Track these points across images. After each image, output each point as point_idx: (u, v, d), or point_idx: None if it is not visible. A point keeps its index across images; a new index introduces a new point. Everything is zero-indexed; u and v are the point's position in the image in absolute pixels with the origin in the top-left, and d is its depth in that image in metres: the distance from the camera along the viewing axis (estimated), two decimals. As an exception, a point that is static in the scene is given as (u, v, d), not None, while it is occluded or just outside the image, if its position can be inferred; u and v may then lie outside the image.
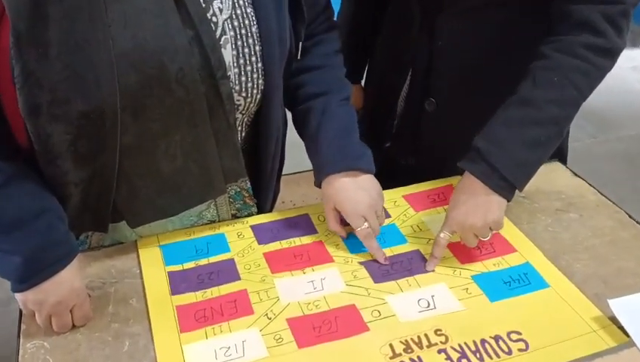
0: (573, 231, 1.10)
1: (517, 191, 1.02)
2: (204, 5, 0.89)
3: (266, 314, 0.92)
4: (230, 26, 0.92)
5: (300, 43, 1.05)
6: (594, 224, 1.12)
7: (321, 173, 1.05)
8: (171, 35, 0.84)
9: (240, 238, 1.08)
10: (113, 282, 0.99)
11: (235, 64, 0.94)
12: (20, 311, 0.92)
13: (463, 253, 1.04)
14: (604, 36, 0.99)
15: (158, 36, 0.83)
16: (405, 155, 1.36)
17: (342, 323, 0.90)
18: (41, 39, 0.77)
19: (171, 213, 1.04)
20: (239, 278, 0.99)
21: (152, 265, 1.01)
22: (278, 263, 1.02)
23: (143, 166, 0.94)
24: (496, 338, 0.88)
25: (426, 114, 1.26)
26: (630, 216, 1.13)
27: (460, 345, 0.86)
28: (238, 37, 0.93)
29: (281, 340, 0.88)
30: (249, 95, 0.97)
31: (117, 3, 0.81)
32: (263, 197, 1.14)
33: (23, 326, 0.91)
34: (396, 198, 1.19)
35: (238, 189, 1.08)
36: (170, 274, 0.99)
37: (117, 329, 0.90)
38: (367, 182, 1.05)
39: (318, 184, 1.07)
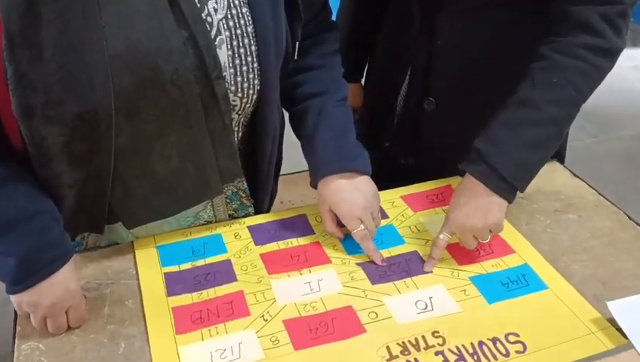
0: (572, 232, 1.09)
1: (517, 192, 1.01)
2: (198, 5, 0.89)
3: (263, 316, 0.91)
4: (225, 26, 0.92)
5: (297, 43, 1.05)
6: (593, 225, 1.11)
7: (316, 173, 1.05)
8: (166, 36, 0.84)
9: (237, 239, 1.07)
10: (109, 283, 0.98)
11: (231, 64, 0.93)
12: (16, 313, 0.91)
13: (461, 254, 1.03)
14: (603, 36, 0.99)
15: (152, 37, 0.83)
16: (405, 155, 1.35)
17: (338, 324, 0.90)
18: (34, 40, 0.77)
19: (167, 214, 1.03)
20: (236, 279, 0.99)
21: (149, 266, 1.01)
22: (274, 264, 1.02)
23: (138, 167, 0.93)
24: (494, 340, 0.87)
25: (426, 113, 1.25)
26: (630, 218, 1.13)
27: (457, 347, 0.86)
28: (234, 37, 0.93)
29: (277, 342, 0.87)
30: (245, 95, 0.97)
31: (111, 4, 0.80)
32: (260, 198, 1.14)
33: (18, 328, 0.91)
34: (394, 199, 1.18)
35: (235, 190, 1.07)
36: (167, 276, 0.99)
37: (113, 330, 0.90)
38: (363, 183, 1.04)
39: (314, 185, 1.06)
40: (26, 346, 0.88)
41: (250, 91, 0.97)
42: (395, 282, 0.98)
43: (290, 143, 1.18)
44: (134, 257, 1.03)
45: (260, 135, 1.04)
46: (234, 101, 0.96)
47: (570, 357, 0.85)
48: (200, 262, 1.02)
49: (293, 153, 1.25)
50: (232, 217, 1.12)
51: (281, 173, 1.23)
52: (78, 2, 0.78)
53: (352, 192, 1.02)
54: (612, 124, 3.26)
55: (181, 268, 1.01)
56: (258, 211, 1.15)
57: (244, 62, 0.94)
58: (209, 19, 0.90)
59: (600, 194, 1.19)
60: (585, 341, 0.87)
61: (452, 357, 0.85)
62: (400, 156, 1.36)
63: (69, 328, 0.90)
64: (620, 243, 1.07)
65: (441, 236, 1.01)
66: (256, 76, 0.96)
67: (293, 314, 0.92)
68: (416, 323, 0.90)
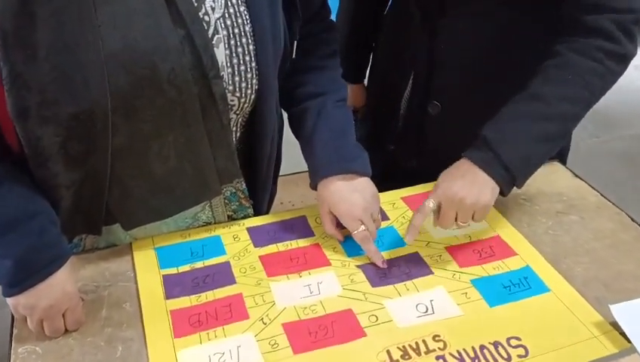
0: (574, 234, 1.08)
1: (515, 188, 1.01)
2: (195, 4, 0.88)
3: (262, 319, 0.91)
4: (223, 24, 0.91)
5: (295, 42, 1.04)
6: (595, 226, 1.10)
7: (316, 175, 1.04)
8: (162, 35, 0.83)
9: (236, 241, 1.07)
10: (107, 285, 0.97)
11: (229, 64, 0.92)
12: (13, 316, 0.90)
13: (462, 256, 1.02)
14: (619, 43, 1.00)
15: (148, 36, 0.82)
16: (408, 158, 1.35)
17: (338, 328, 0.89)
18: (28, 40, 0.76)
19: (166, 215, 1.02)
20: (235, 282, 0.98)
21: (147, 269, 1.00)
22: (274, 266, 1.01)
23: (135, 167, 0.93)
24: (496, 344, 0.86)
25: (430, 117, 1.25)
26: (632, 219, 1.12)
27: (458, 352, 0.85)
28: (231, 36, 0.92)
29: (276, 346, 0.86)
30: (243, 95, 0.96)
31: (106, 4, 0.79)
32: (260, 199, 1.13)
33: (15, 331, 0.90)
34: (395, 200, 1.17)
35: (234, 190, 1.06)
36: (165, 278, 0.98)
37: (110, 333, 0.89)
38: (363, 184, 1.03)
39: (314, 186, 1.05)
40: (22, 349, 0.87)
41: (249, 91, 0.96)
42: (396, 285, 0.97)
43: (291, 143, 1.17)
44: (132, 259, 1.02)
45: (258, 135, 1.03)
46: (232, 101, 0.95)
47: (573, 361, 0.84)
48: (199, 264, 1.01)
49: (293, 153, 1.24)
50: (231, 218, 1.11)
51: (282, 173, 1.22)
52: (74, 2, 0.77)
53: (351, 193, 1.01)
54: (614, 123, 3.25)
55: (179, 271, 1.00)
56: (257, 212, 1.14)
57: (242, 62, 0.93)
58: (206, 18, 0.89)
59: (602, 195, 1.19)
60: (587, 345, 0.86)
61: (453, 362, 0.84)
62: (404, 159, 1.35)
63: (66, 331, 0.89)
64: (621, 244, 1.06)
65: (426, 202, 0.99)
66: (254, 76, 0.95)
67: (292, 318, 0.91)
68: (416, 327, 0.89)
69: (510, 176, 0.98)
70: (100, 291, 0.96)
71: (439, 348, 0.86)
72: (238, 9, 0.93)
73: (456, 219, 0.99)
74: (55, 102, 0.80)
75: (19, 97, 0.79)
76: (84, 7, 0.78)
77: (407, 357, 0.84)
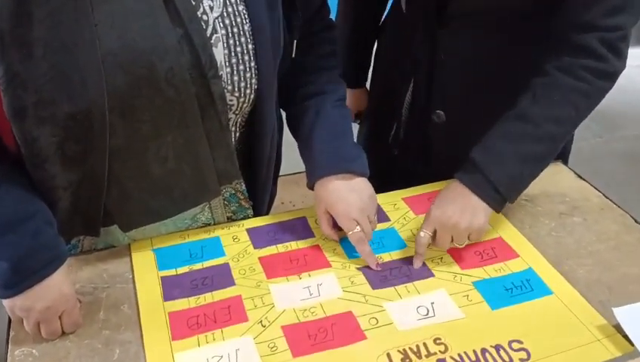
0: (577, 236, 1.07)
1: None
2: (193, 3, 0.87)
3: (261, 322, 0.90)
4: (221, 24, 0.90)
5: (295, 41, 1.03)
6: (598, 228, 1.09)
7: (313, 174, 1.04)
8: (160, 34, 0.82)
9: (235, 242, 1.06)
10: (105, 287, 0.97)
11: (227, 63, 0.91)
12: (9, 318, 0.90)
13: (463, 258, 1.01)
14: (606, 61, 1.00)
15: (146, 35, 0.81)
16: (414, 163, 1.35)
17: (338, 330, 0.88)
18: (25, 39, 0.75)
19: (164, 216, 1.02)
20: (234, 284, 0.97)
21: (145, 270, 0.99)
22: (273, 268, 1.00)
23: (133, 168, 0.92)
24: (497, 347, 0.85)
25: (435, 125, 1.25)
26: (636, 221, 1.11)
27: (459, 355, 0.84)
28: (230, 35, 0.91)
29: (275, 349, 0.85)
30: (242, 95, 0.95)
31: (104, 3, 0.79)
32: (259, 200, 1.12)
33: (11, 333, 0.89)
34: (396, 201, 1.16)
35: (233, 191, 1.05)
36: (163, 280, 0.97)
37: (107, 336, 0.88)
38: (360, 185, 1.03)
39: (311, 186, 1.05)
40: (19, 351, 0.86)
41: (248, 90, 0.95)
42: (396, 287, 0.96)
43: (291, 143, 1.16)
44: (131, 260, 1.01)
45: (258, 135, 1.02)
46: (231, 101, 0.94)
47: (576, 365, 0.83)
48: (197, 266, 1.00)
49: (294, 153, 1.23)
50: (230, 219, 1.10)
51: (282, 173, 1.22)
52: (71, 1, 0.76)
53: (349, 193, 1.01)
54: (617, 123, 3.24)
55: (178, 272, 0.99)
56: (257, 213, 1.13)
57: (240, 61, 0.93)
58: (204, 17, 0.88)
59: (605, 196, 1.17)
60: (590, 348, 0.85)
61: (454, 365, 0.83)
62: (409, 164, 1.35)
63: (63, 333, 0.88)
64: (625, 246, 1.05)
65: (422, 233, 1.00)
66: (253, 75, 0.95)
67: (291, 320, 0.90)
68: (417, 330, 0.88)
69: (501, 197, 0.99)
70: (97, 293, 0.95)
71: (440, 351, 0.85)
72: (237, 8, 0.92)
73: (452, 240, 1.00)
74: (52, 101, 0.79)
75: (15, 97, 0.78)
76: (81, 7, 0.77)
77: (407, 360, 0.83)
